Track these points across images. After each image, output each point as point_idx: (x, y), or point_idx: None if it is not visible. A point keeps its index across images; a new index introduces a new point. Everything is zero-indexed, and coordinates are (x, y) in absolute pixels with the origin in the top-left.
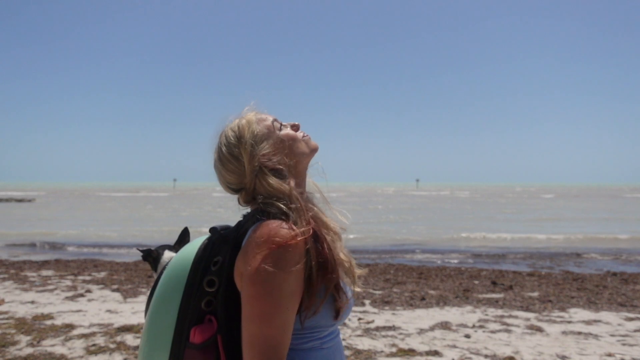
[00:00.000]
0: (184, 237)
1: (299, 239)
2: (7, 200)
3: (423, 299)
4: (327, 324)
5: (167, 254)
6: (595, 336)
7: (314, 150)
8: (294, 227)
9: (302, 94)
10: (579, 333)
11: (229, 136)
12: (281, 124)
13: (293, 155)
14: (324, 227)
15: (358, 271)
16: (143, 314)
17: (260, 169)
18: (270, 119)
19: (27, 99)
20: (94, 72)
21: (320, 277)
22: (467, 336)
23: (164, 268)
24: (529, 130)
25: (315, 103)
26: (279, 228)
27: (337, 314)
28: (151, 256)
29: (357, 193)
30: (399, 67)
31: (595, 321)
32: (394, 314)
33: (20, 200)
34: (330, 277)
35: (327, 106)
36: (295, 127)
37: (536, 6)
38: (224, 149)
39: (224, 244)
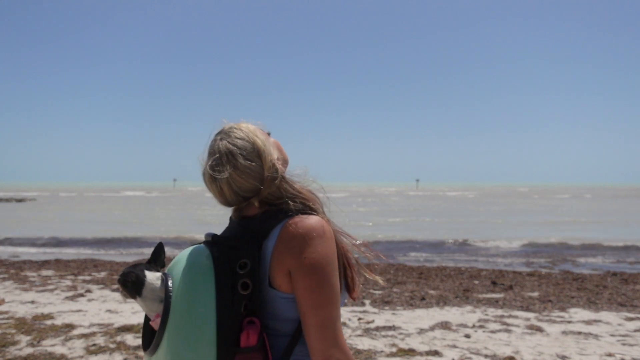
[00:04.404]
0: (158, 254)
1: (330, 228)
2: (8, 200)
3: (423, 299)
4: (342, 302)
5: (151, 275)
6: (595, 336)
7: None
8: (324, 217)
9: (302, 94)
10: (579, 333)
11: (241, 145)
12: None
13: (285, 158)
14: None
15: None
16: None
17: (278, 173)
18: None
19: (27, 99)
20: (94, 72)
21: (341, 262)
22: (467, 336)
23: (167, 291)
24: (529, 130)
25: (315, 103)
26: (315, 219)
27: (352, 290)
28: (130, 280)
29: (357, 193)
30: (399, 67)
31: (595, 321)
32: (394, 314)
33: (20, 200)
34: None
35: (327, 106)
36: None
37: (537, 6)
38: (240, 158)
39: (245, 246)
